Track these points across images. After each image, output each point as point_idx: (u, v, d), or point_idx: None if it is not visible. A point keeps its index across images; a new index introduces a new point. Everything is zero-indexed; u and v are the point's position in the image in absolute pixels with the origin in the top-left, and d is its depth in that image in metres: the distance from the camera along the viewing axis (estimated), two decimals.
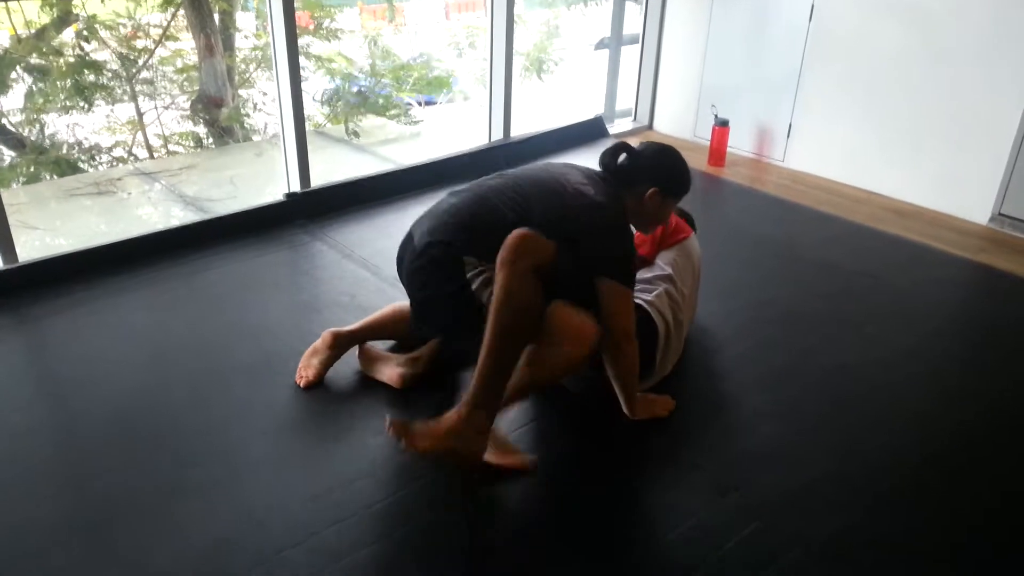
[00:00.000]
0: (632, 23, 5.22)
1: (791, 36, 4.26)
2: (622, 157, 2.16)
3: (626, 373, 2.11)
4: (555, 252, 1.84)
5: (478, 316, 1.86)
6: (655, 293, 2.33)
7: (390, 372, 2.33)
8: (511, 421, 2.13)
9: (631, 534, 1.84)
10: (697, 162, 4.52)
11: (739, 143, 4.63)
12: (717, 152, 4.47)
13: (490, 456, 1.94)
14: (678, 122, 5.00)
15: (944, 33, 3.69)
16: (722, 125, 4.43)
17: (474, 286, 1.91)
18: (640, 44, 5.00)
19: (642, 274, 2.42)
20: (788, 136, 4.44)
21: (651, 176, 2.14)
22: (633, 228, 2.20)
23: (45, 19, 5.87)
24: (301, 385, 2.31)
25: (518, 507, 1.93)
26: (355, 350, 2.41)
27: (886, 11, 3.86)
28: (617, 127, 5.07)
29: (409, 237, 2.10)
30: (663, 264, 2.44)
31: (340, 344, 2.35)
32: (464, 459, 1.84)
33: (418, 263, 2.02)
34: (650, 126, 5.15)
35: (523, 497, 1.94)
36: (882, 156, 4.06)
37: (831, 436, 2.21)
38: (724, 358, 2.58)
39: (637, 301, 2.29)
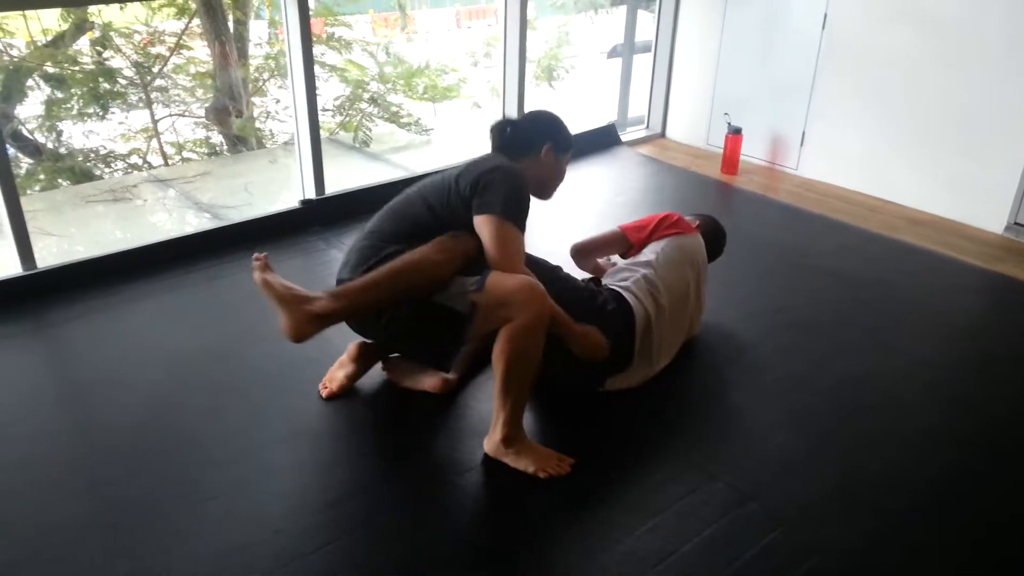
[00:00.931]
0: (645, 31, 5.24)
1: (804, 44, 4.25)
2: (507, 130, 2.28)
3: None
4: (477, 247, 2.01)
5: (444, 314, 1.98)
6: (632, 279, 2.36)
7: (431, 380, 2.34)
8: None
9: (648, 543, 1.84)
10: (710, 170, 4.52)
11: (752, 151, 4.62)
12: (730, 160, 4.47)
13: (530, 466, 2.00)
14: (691, 130, 5.00)
15: (958, 41, 3.68)
16: (735, 133, 4.43)
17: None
18: (653, 52, 5.02)
19: (625, 262, 2.49)
20: (801, 144, 4.43)
21: (541, 135, 2.26)
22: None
23: (61, 27, 5.92)
24: (324, 396, 2.31)
25: (531, 516, 1.92)
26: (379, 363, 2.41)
27: (899, 19, 3.86)
28: (629, 135, 5.08)
29: (340, 283, 2.11)
30: (647, 252, 2.48)
31: (364, 356, 2.35)
32: (290, 322, 1.94)
33: None
34: (663, 134, 5.15)
35: (537, 506, 1.94)
36: (896, 164, 4.05)
37: (846, 445, 2.20)
38: (739, 366, 2.58)
39: (614, 289, 2.32)
